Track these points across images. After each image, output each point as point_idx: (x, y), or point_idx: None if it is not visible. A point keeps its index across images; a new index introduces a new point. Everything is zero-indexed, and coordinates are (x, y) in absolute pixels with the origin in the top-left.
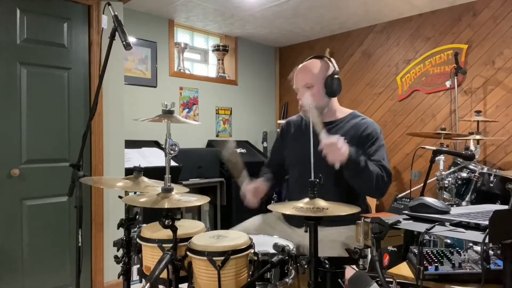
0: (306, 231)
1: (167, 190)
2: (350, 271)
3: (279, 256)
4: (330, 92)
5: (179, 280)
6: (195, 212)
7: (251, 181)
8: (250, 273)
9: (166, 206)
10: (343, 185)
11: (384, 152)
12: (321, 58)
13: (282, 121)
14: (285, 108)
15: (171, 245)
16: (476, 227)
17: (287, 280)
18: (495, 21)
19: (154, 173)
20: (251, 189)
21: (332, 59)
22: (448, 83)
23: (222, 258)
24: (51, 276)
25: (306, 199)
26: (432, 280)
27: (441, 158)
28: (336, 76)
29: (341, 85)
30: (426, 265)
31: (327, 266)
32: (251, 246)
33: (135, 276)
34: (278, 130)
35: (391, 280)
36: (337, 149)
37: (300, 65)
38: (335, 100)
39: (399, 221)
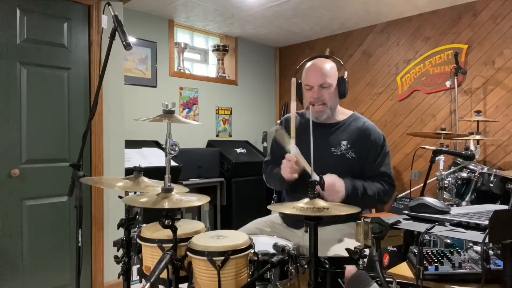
0: (306, 231)
1: (167, 190)
2: (350, 271)
3: (279, 256)
4: (343, 93)
5: (179, 280)
6: (195, 212)
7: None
8: (250, 273)
9: (166, 206)
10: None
11: (389, 160)
12: (329, 58)
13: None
14: (285, 108)
15: (171, 245)
16: (476, 227)
17: (287, 280)
18: (495, 21)
19: (154, 173)
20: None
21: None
22: (448, 83)
23: (222, 258)
24: (51, 276)
25: (306, 199)
26: (432, 280)
27: (441, 158)
28: (346, 78)
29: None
30: (426, 265)
31: (327, 266)
32: (251, 246)
33: (135, 276)
34: (278, 124)
35: (391, 280)
36: (335, 192)
37: (311, 63)
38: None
39: (399, 221)
